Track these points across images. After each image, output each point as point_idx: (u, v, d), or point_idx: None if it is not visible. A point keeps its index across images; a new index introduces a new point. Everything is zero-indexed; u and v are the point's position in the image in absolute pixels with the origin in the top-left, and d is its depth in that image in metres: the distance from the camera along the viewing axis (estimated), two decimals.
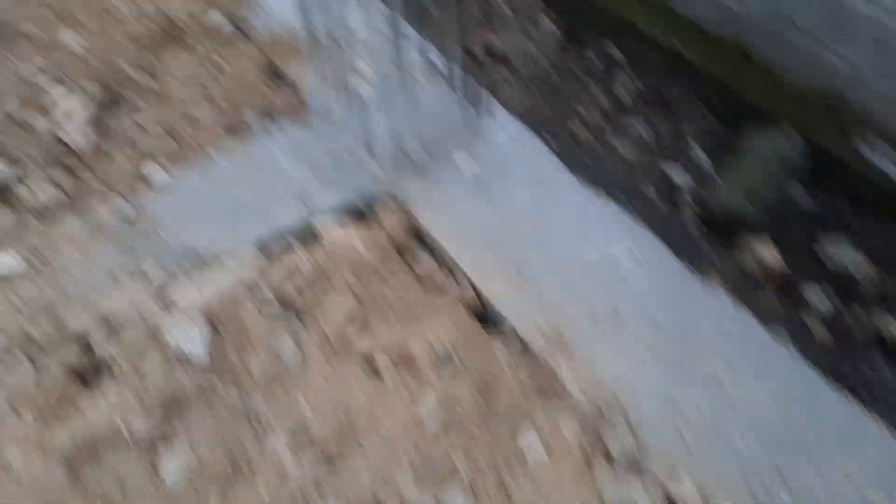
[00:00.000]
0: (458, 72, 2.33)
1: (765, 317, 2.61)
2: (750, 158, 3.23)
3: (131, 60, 2.93)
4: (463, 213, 2.30)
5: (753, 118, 3.49)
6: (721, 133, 3.69)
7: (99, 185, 2.58)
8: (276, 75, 2.96)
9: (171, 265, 2.23)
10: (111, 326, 2.06)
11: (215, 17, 3.13)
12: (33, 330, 2.07)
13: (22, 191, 2.52)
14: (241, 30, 3.13)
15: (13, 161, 2.61)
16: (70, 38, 3.00)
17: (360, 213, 2.37)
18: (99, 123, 2.75)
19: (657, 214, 3.35)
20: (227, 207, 2.38)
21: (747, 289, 3.13)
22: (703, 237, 3.33)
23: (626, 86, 3.95)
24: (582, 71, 3.94)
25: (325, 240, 2.21)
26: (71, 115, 2.69)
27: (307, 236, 2.32)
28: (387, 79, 2.73)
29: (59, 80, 2.85)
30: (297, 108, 2.79)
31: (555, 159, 2.47)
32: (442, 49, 2.63)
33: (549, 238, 2.22)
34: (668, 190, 3.49)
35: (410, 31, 2.79)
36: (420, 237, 2.33)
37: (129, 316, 2.08)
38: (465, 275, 2.16)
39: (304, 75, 2.84)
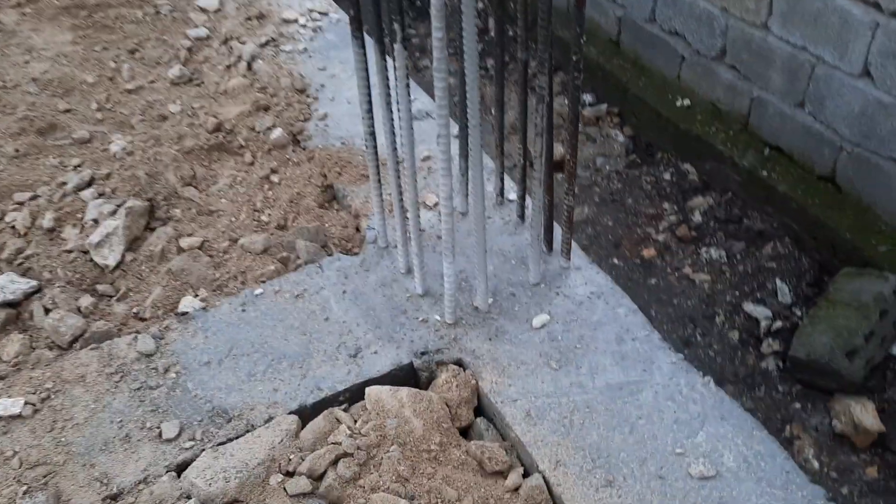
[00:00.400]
0: (536, 210, 2.02)
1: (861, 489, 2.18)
2: (844, 302, 2.82)
3: (182, 173, 2.71)
4: (535, 384, 1.94)
5: (846, 257, 3.10)
6: (811, 272, 3.30)
7: (124, 312, 2.31)
8: (332, 196, 2.70)
9: (193, 426, 1.91)
10: None
11: (273, 129, 2.90)
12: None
13: (38, 312, 2.26)
14: (299, 143, 2.90)
15: (35, 276, 2.37)
16: (121, 147, 2.80)
17: (415, 375, 2.04)
18: (135, 242, 2.51)
19: (739, 368, 2.95)
20: (264, 357, 2.07)
21: (839, 455, 2.68)
22: (788, 393, 2.90)
23: (707, 214, 3.61)
24: (658, 202, 3.61)
25: (374, 409, 1.87)
26: (106, 231, 2.45)
27: (354, 399, 1.99)
28: (456, 214, 2.43)
29: (101, 192, 2.63)
30: (353, 238, 2.51)
31: (640, 317, 2.11)
32: (520, 184, 2.34)
33: (638, 432, 1.84)
34: (751, 337, 3.08)
35: (488, 162, 2.51)
36: (483, 408, 1.98)
37: (139, 498, 1.75)
38: (535, 463, 1.79)
39: (363, 200, 2.57)
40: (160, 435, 1.90)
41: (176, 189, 2.67)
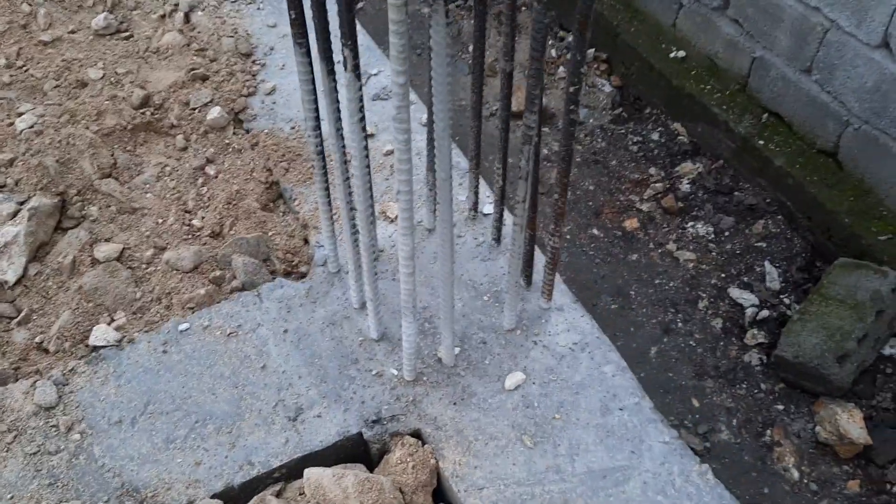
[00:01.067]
0: (516, 253, 1.68)
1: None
2: (838, 299, 2.56)
3: (100, 161, 2.29)
4: (506, 466, 1.65)
5: (842, 242, 2.83)
6: (803, 255, 3.03)
7: (24, 342, 1.95)
8: (277, 195, 2.32)
9: None
10: None
11: (211, 106, 2.48)
12: None
13: None
14: (241, 124, 2.49)
15: None
16: (29, 123, 2.36)
17: (365, 446, 1.73)
18: (42, 249, 2.12)
19: (721, 361, 2.71)
20: (187, 417, 1.74)
21: (820, 465, 2.49)
22: (771, 392, 2.68)
23: (696, 182, 3.28)
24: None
25: (314, 498, 1.57)
26: (4, 240, 2.05)
27: (292, 475, 1.69)
28: (420, 230, 2.08)
29: (1, 184, 2.22)
30: (300, 251, 2.15)
31: (628, 376, 1.82)
32: (497, 199, 1.98)
33: None
34: (735, 326, 2.83)
35: (460, 161, 2.14)
36: (444, 492, 1.69)
37: None
38: None
39: (313, 206, 2.20)
40: None
41: (92, 181, 2.26)
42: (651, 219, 3.20)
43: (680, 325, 2.89)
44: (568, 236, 3.03)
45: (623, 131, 3.54)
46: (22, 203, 2.16)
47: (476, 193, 2.11)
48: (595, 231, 3.14)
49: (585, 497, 1.61)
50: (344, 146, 1.55)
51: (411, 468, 1.64)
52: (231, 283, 2.06)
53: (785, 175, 3.05)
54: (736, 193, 3.28)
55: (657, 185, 3.31)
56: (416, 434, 1.73)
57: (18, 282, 2.06)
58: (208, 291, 2.03)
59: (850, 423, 2.47)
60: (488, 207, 2.16)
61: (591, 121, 3.57)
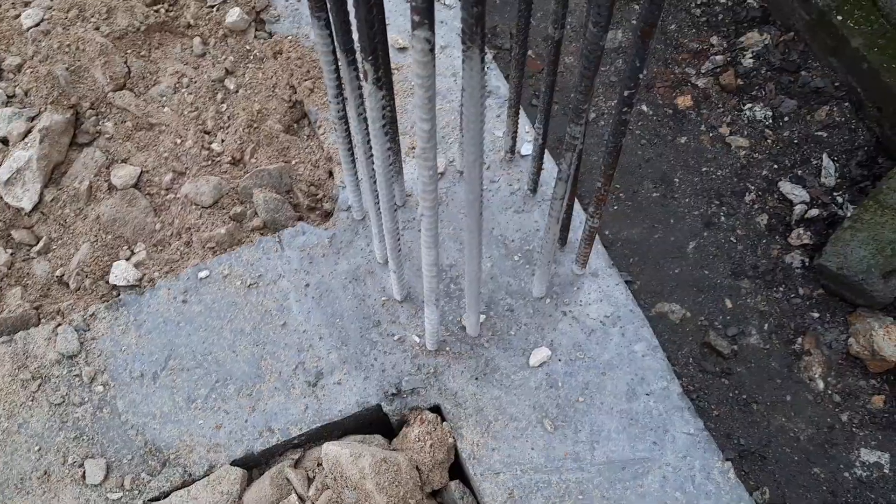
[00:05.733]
0: (553, 222, 1.56)
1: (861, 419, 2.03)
2: (894, 208, 2.41)
3: (113, 70, 2.13)
4: (524, 451, 1.64)
5: None
6: (865, 149, 2.82)
7: (45, 275, 1.93)
8: (300, 115, 2.16)
9: (122, 467, 1.64)
10: None
11: (229, 4, 2.26)
12: None
13: None
14: (264, 26, 2.28)
15: None
16: (34, 20, 2.18)
17: (384, 421, 1.73)
18: (57, 170, 2.04)
19: (761, 260, 2.62)
20: (208, 375, 1.74)
21: (847, 377, 2.49)
22: (809, 297, 2.61)
23: (761, 57, 2.99)
24: None
25: (331, 473, 1.59)
26: (17, 165, 1.97)
27: (310, 442, 1.70)
28: (451, 175, 1.94)
29: (10, 94, 2.09)
30: (324, 184, 2.04)
31: (659, 356, 1.75)
32: (538, 137, 1.82)
33: None
34: (781, 224, 2.71)
35: (501, 88, 1.95)
36: (461, 470, 1.70)
37: None
38: None
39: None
40: (84, 476, 1.64)
41: (106, 93, 2.12)
42: (706, 97, 2.96)
43: (723, 218, 2.75)
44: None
45: None
46: (33, 119, 2.04)
47: (514, 131, 1.93)
48: (644, 107, 2.92)
49: (602, 489, 1.60)
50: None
51: (429, 447, 1.64)
52: (252, 221, 1.98)
53: (860, 58, 2.75)
54: (802, 73, 2.99)
55: (717, 57, 3.03)
56: (436, 409, 1.71)
57: (35, 208, 1.99)
58: (229, 230, 1.95)
59: (886, 340, 2.40)
60: (527, 147, 2.00)
61: None
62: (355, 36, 1.16)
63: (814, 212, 2.68)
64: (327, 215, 2.00)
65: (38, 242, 1.97)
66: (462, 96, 1.52)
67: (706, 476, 1.62)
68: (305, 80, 2.12)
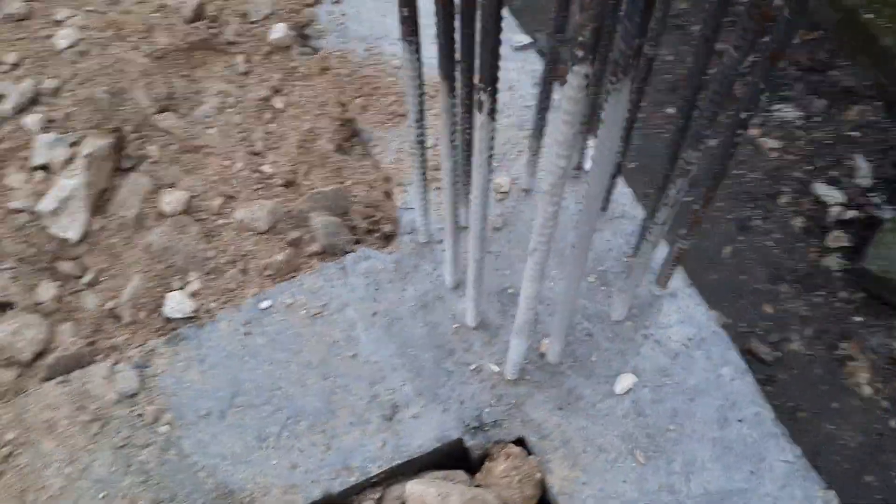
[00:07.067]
0: (648, 246, 1.49)
1: None
2: None
3: (156, 92, 2.05)
4: (615, 484, 1.57)
5: None
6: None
7: (96, 310, 1.84)
8: (351, 133, 2.08)
9: None
10: None
11: (272, 21, 2.18)
12: None
13: None
14: (307, 41, 2.20)
15: None
16: (70, 40, 2.09)
17: (465, 452, 1.65)
18: (103, 197, 1.96)
19: (799, 264, 2.56)
20: (278, 412, 1.66)
21: (894, 382, 2.43)
22: (850, 301, 2.56)
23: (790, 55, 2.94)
24: None
25: None
26: (62, 194, 1.88)
27: (389, 480, 1.62)
28: (514, 194, 1.87)
29: (50, 119, 2.00)
30: (382, 206, 1.96)
31: (748, 380, 1.69)
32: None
33: None
34: (817, 226, 2.66)
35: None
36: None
37: None
38: None
39: (396, 154, 1.97)
40: None
41: (148, 115, 2.04)
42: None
43: (758, 222, 2.70)
44: (642, 114, 2.77)
45: None
46: (75, 144, 1.96)
47: (583, 146, 1.86)
48: (671, 110, 2.86)
49: None
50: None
51: (517, 482, 1.56)
52: (310, 246, 1.90)
53: (891, 57, 2.72)
54: (831, 72, 2.95)
55: None
56: (519, 441, 1.63)
57: (82, 239, 1.91)
58: (286, 256, 1.87)
59: None
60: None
61: None
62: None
63: (850, 213, 2.63)
64: (387, 238, 1.92)
65: (85, 274, 1.89)
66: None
67: None
68: (357, 98, 2.04)
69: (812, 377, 2.37)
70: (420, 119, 1.40)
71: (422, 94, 1.34)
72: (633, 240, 1.81)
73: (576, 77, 0.82)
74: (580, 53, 0.79)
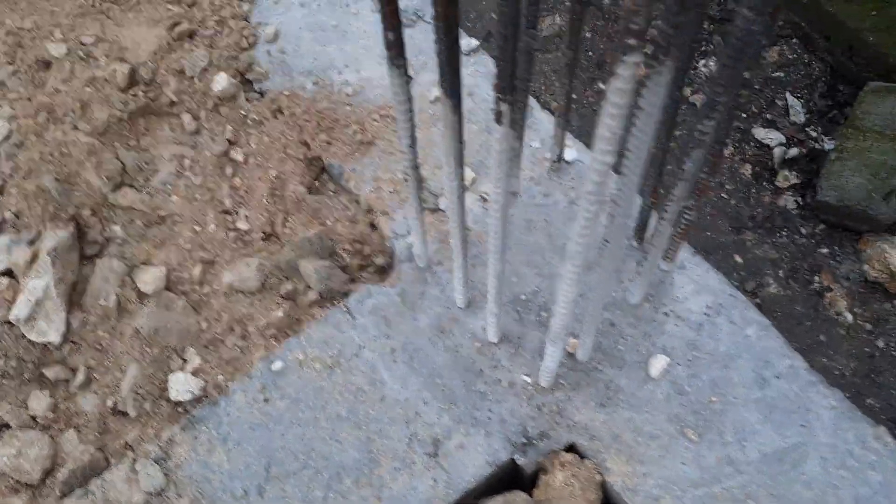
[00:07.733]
0: (664, 227, 1.47)
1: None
2: (875, 130, 2.42)
3: (107, 168, 1.94)
4: (675, 467, 1.55)
5: (865, 62, 2.61)
6: (822, 80, 2.84)
7: (96, 409, 1.73)
8: (319, 170, 2.01)
9: None
10: None
11: (212, 71, 2.09)
12: None
13: None
14: (252, 86, 2.11)
15: None
16: (5, 136, 1.96)
17: (517, 471, 1.61)
18: (76, 290, 1.84)
19: (756, 210, 2.60)
20: (318, 475, 1.58)
21: (872, 304, 2.49)
22: (812, 235, 2.61)
23: None
24: None
25: None
26: (33, 297, 1.76)
27: None
28: (516, 206, 1.83)
29: (0, 219, 1.87)
30: (368, 239, 1.90)
31: (773, 335, 1.69)
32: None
33: None
34: (765, 170, 2.70)
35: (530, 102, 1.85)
36: None
37: None
38: None
39: (373, 184, 1.91)
40: None
41: (104, 195, 1.92)
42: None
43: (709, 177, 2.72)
44: (574, 95, 2.76)
45: None
46: (33, 242, 1.83)
47: (562, 138, 1.83)
48: (601, 84, 2.87)
49: (767, 487, 1.52)
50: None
51: (579, 490, 1.52)
52: (307, 296, 1.82)
53: None
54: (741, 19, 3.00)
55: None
56: (571, 447, 1.60)
57: (64, 339, 1.79)
58: (285, 311, 1.79)
59: None
60: (571, 153, 1.90)
61: None
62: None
63: (793, 151, 2.68)
64: (382, 270, 1.86)
65: (76, 375, 1.77)
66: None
67: (863, 446, 1.56)
68: (319, 134, 1.97)
69: (795, 315, 2.40)
70: (412, 145, 1.35)
71: (412, 119, 1.29)
72: (632, 223, 1.79)
73: (627, 68, 0.78)
74: (632, 42, 0.75)
